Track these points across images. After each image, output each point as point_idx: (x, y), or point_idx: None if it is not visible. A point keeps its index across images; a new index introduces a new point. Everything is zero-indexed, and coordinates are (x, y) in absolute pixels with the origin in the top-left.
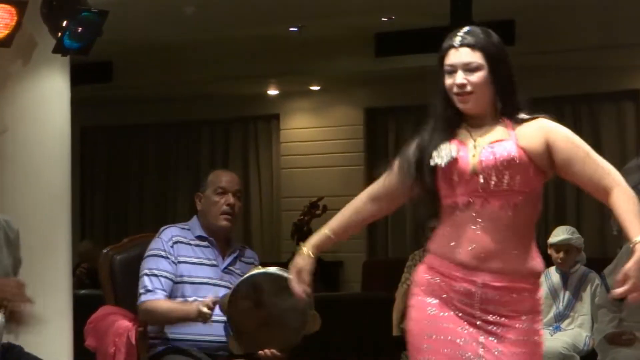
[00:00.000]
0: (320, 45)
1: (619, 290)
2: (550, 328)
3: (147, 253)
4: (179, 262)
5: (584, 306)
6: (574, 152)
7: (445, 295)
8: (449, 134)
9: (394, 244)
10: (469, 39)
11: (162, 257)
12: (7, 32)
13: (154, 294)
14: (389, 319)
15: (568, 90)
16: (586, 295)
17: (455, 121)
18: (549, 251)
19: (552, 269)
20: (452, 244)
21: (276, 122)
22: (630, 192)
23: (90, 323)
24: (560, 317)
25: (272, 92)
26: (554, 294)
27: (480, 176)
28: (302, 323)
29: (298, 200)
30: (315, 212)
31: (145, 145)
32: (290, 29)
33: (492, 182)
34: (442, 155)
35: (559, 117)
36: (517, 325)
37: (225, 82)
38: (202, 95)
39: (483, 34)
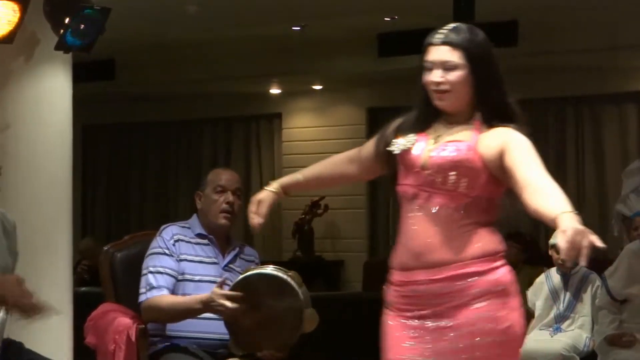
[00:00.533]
0: (323, 44)
1: (566, 256)
2: (551, 329)
3: (149, 252)
4: (181, 260)
5: (585, 307)
6: (522, 156)
7: (396, 304)
8: (421, 127)
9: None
10: (451, 37)
11: (165, 254)
12: (9, 28)
13: (159, 290)
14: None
15: (570, 92)
16: (587, 297)
17: (432, 116)
18: (550, 252)
19: (553, 270)
20: (396, 249)
21: (278, 121)
22: (557, 186)
23: (90, 320)
24: (561, 318)
25: (275, 91)
26: (554, 295)
27: (428, 172)
28: (299, 322)
29: (299, 200)
30: (317, 212)
31: (147, 144)
32: (293, 28)
33: (438, 180)
34: (399, 144)
35: (561, 119)
36: (467, 316)
37: (228, 81)
38: (204, 93)
39: (468, 32)
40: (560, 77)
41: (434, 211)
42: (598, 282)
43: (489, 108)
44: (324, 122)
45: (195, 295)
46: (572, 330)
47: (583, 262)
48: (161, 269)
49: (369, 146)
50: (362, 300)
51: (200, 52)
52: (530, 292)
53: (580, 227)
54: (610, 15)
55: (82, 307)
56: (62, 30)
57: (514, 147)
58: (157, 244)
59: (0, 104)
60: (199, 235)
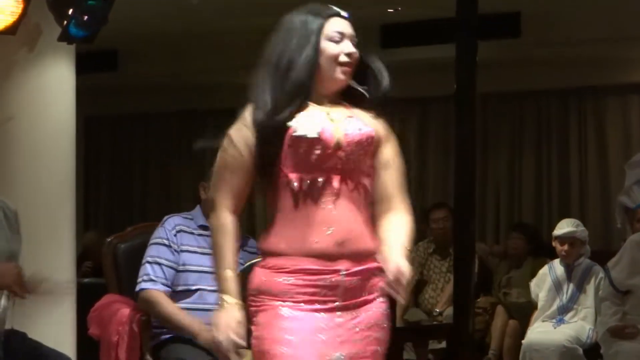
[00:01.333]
0: None
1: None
2: (554, 321)
3: (150, 241)
4: (182, 251)
5: (588, 299)
6: (394, 159)
7: (300, 297)
8: (301, 105)
9: None
10: (348, 14)
11: (165, 245)
12: (12, 20)
13: (154, 284)
14: (392, 310)
15: (573, 83)
16: (590, 288)
17: (306, 95)
18: (554, 243)
19: (556, 261)
20: (303, 234)
21: None
22: (409, 221)
23: (93, 311)
24: (564, 310)
25: None
26: (557, 287)
27: (343, 151)
28: None
29: None
30: None
31: (150, 135)
32: None
33: (352, 159)
34: (306, 126)
35: (564, 110)
36: (373, 309)
37: (231, 72)
38: (207, 85)
39: None
40: (563, 69)
41: (348, 193)
42: (601, 274)
43: (351, 92)
44: None
45: (198, 322)
46: (575, 321)
47: (400, 298)
48: (159, 260)
49: (238, 175)
50: None
51: (204, 43)
52: (533, 284)
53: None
54: (613, 6)
55: (86, 298)
56: (65, 22)
57: (389, 144)
58: (158, 234)
59: (3, 95)
60: (202, 227)
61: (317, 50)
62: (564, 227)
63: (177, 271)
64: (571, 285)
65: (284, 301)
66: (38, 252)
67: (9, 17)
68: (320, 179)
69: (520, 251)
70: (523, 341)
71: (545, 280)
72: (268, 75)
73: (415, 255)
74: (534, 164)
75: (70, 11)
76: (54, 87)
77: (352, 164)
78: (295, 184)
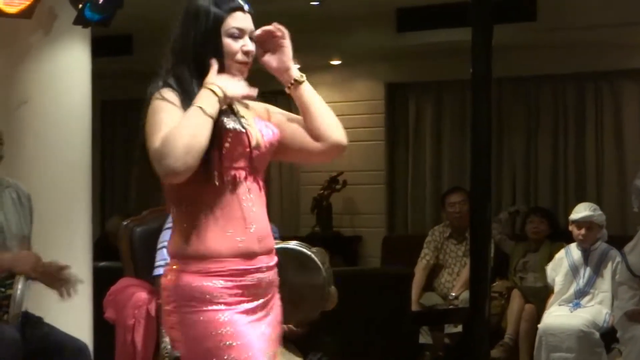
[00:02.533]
0: (341, 20)
1: None
2: (570, 305)
3: (165, 226)
4: None
5: (605, 283)
6: (284, 112)
7: (231, 299)
8: None
9: (414, 219)
10: (250, 7)
11: None
12: (28, 3)
13: None
14: (408, 294)
15: (589, 68)
16: (607, 272)
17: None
18: (570, 227)
19: (573, 245)
20: (227, 234)
21: None
22: None
23: (109, 295)
24: (581, 294)
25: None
26: (574, 271)
27: (259, 151)
28: (320, 299)
29: (318, 175)
30: (335, 187)
31: None
32: (312, 3)
33: (262, 159)
34: (236, 119)
35: (580, 95)
36: (276, 308)
37: None
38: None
39: None
40: (580, 53)
41: (257, 191)
42: (618, 258)
43: None
44: (343, 98)
45: None
46: (592, 306)
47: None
48: None
49: None
50: (381, 276)
51: None
52: (549, 268)
53: None
54: None
55: (102, 281)
56: (80, 5)
57: (280, 113)
58: (171, 218)
59: (19, 78)
60: None
61: (221, 47)
62: (581, 211)
63: None
64: (588, 270)
65: (218, 305)
66: (54, 236)
67: (24, 0)
68: (239, 177)
69: (542, 235)
70: (539, 325)
71: (562, 264)
72: (183, 64)
73: (431, 239)
74: (550, 148)
75: None
76: (69, 70)
77: (260, 164)
78: (217, 180)
